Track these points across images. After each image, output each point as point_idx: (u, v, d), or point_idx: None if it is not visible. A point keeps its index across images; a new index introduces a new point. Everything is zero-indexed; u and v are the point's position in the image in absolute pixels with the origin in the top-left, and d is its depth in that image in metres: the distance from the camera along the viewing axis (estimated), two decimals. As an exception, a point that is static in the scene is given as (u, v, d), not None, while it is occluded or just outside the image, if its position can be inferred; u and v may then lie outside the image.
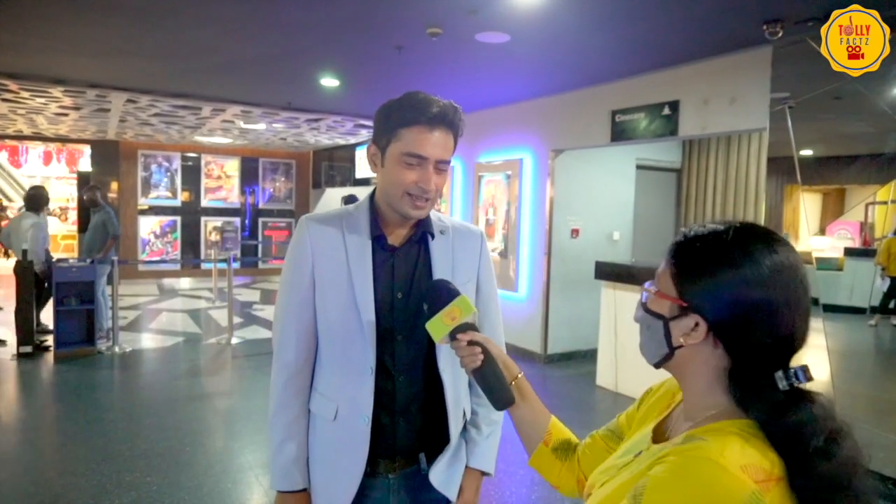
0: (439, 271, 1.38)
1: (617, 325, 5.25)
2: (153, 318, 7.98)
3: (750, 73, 4.15)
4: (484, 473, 1.48)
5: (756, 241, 0.79)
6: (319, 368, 1.41)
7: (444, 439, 1.42)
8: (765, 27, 3.62)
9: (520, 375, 1.10)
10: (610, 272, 5.30)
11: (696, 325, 0.79)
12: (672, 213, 7.53)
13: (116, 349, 6.14)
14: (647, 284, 0.88)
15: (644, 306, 0.87)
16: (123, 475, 3.43)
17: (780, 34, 3.62)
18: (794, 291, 0.77)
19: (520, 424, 1.10)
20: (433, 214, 1.44)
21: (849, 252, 9.16)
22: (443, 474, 1.40)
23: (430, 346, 1.36)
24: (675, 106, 4.70)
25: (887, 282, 7.71)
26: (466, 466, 1.46)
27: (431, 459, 1.41)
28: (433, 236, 1.41)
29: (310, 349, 1.39)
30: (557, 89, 5.83)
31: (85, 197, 6.88)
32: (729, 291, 0.77)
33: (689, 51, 4.36)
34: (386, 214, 1.38)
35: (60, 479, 3.38)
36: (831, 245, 9.28)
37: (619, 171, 6.52)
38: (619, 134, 5.22)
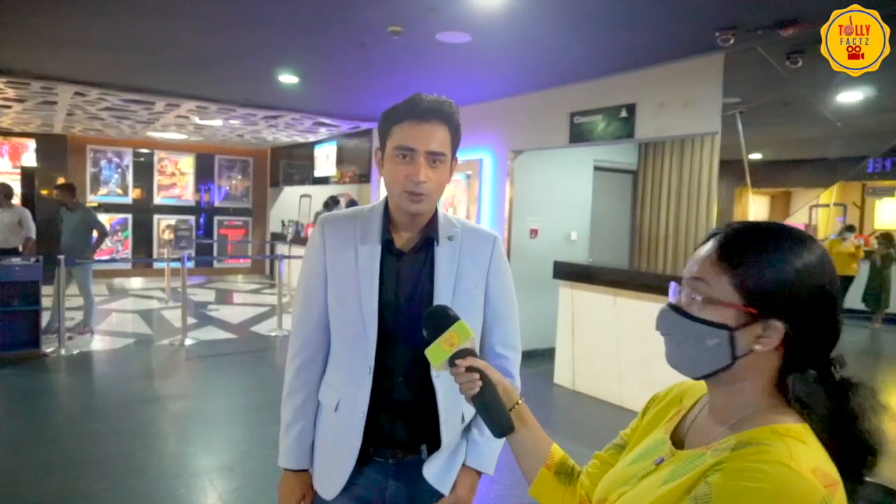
0: (441, 278, 1.40)
1: (574, 324, 5.33)
2: (103, 319, 7.70)
3: (703, 78, 4.27)
4: (481, 473, 1.50)
5: (801, 234, 0.78)
6: (331, 360, 1.48)
7: (440, 443, 1.44)
8: (717, 34, 3.72)
9: (520, 402, 1.08)
10: (568, 272, 5.39)
11: (766, 329, 0.75)
12: (628, 213, 7.69)
13: (63, 351, 5.90)
14: (685, 295, 0.81)
15: (687, 315, 0.79)
16: (72, 483, 3.30)
17: (732, 41, 3.74)
18: (836, 276, 0.77)
19: (520, 451, 1.07)
20: (446, 218, 1.46)
21: (794, 252, 9.51)
22: (437, 470, 1.43)
23: None
24: (631, 109, 4.80)
25: None
26: (463, 464, 1.47)
27: (433, 451, 1.43)
28: (439, 242, 1.42)
29: (320, 342, 1.46)
30: (517, 90, 5.89)
31: (58, 197, 6.83)
32: (797, 285, 0.74)
33: (646, 55, 4.46)
34: (395, 216, 1.42)
35: (5, 489, 3.23)
36: (778, 246, 9.63)
37: (577, 173, 6.62)
38: (578, 136, 5.30)
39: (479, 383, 1.03)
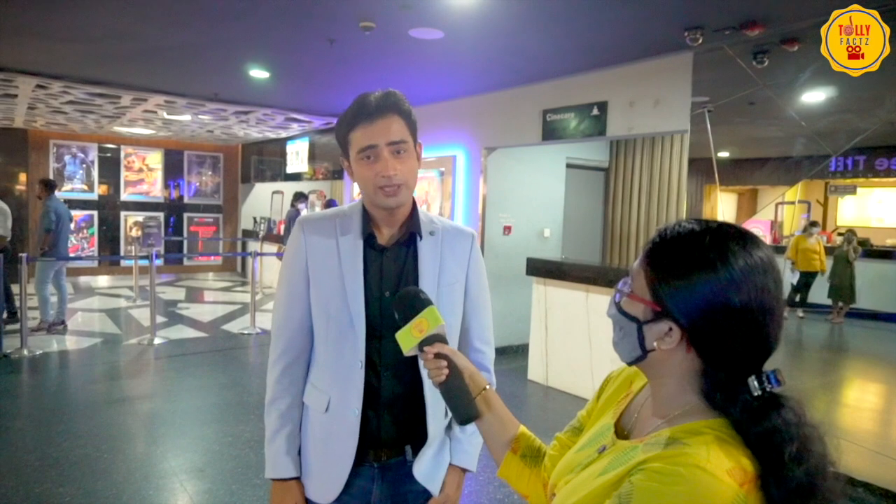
0: (426, 272, 1.42)
1: (548, 320, 5.37)
2: (68, 319, 7.50)
3: (673, 77, 4.33)
4: (465, 470, 1.52)
5: (732, 244, 0.77)
6: (314, 362, 1.46)
7: (427, 435, 1.44)
8: (686, 34, 3.78)
9: (487, 388, 1.09)
10: (541, 268, 5.42)
11: (670, 329, 0.77)
12: (600, 210, 7.78)
13: (25, 352, 5.74)
14: (620, 284, 0.85)
15: (617, 306, 0.85)
16: (32, 487, 3.21)
17: (700, 41, 3.80)
18: (767, 295, 0.76)
19: (487, 436, 1.09)
20: (425, 215, 1.48)
21: (760, 249, 9.71)
22: (426, 469, 1.44)
23: None
24: (603, 107, 4.85)
25: (797, 275, 8.27)
26: (450, 463, 1.49)
27: (417, 452, 1.44)
28: (421, 237, 1.44)
29: (303, 343, 1.45)
30: (490, 88, 5.89)
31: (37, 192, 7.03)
32: (703, 296, 0.75)
33: (617, 53, 4.51)
34: (374, 214, 1.43)
35: (-40, 494, 3.13)
36: (745, 242, 9.84)
37: (549, 170, 6.66)
38: (550, 133, 5.33)
39: (446, 371, 1.04)
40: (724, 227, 0.80)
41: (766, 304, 0.76)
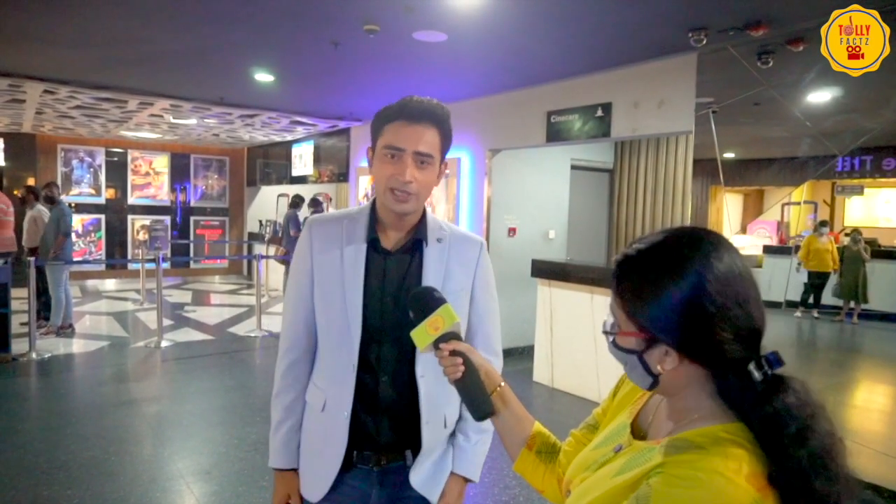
0: (430, 278, 1.41)
1: (552, 321, 5.37)
2: (75, 322, 7.54)
3: (677, 77, 4.32)
4: (468, 480, 1.50)
5: (687, 251, 0.78)
6: (318, 362, 1.48)
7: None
8: (690, 34, 3.77)
9: (502, 384, 1.10)
10: (546, 270, 5.42)
11: (667, 351, 0.79)
12: (605, 212, 7.76)
13: (34, 355, 5.77)
14: (606, 323, 0.86)
15: (613, 344, 0.86)
16: (41, 489, 3.23)
17: (705, 42, 3.79)
18: (740, 288, 0.77)
19: (503, 432, 1.10)
20: (434, 221, 1.47)
21: (766, 249, 9.70)
22: (424, 477, 1.43)
23: (416, 350, 1.37)
24: (607, 108, 4.84)
25: (804, 274, 8.22)
26: (451, 472, 1.48)
27: (417, 457, 1.44)
28: (427, 244, 1.43)
29: (307, 342, 1.47)
30: (495, 89, 5.90)
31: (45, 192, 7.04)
32: (678, 312, 0.76)
33: (621, 55, 4.50)
34: (383, 216, 1.42)
35: (-31, 496, 3.15)
36: (751, 243, 9.83)
37: (554, 171, 6.65)
38: (555, 134, 5.33)
39: (462, 368, 1.05)
40: (675, 236, 0.81)
41: (740, 297, 0.76)
